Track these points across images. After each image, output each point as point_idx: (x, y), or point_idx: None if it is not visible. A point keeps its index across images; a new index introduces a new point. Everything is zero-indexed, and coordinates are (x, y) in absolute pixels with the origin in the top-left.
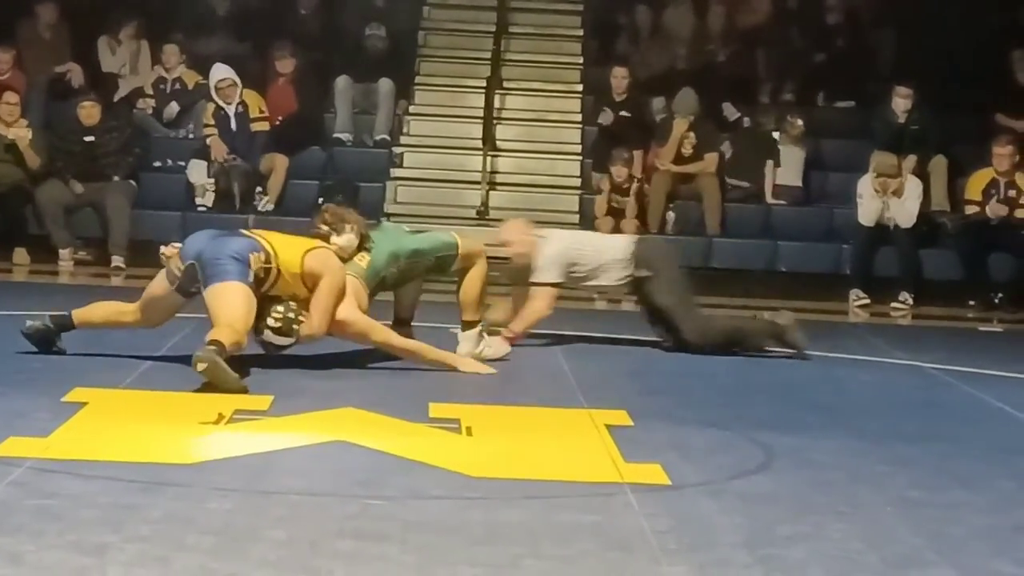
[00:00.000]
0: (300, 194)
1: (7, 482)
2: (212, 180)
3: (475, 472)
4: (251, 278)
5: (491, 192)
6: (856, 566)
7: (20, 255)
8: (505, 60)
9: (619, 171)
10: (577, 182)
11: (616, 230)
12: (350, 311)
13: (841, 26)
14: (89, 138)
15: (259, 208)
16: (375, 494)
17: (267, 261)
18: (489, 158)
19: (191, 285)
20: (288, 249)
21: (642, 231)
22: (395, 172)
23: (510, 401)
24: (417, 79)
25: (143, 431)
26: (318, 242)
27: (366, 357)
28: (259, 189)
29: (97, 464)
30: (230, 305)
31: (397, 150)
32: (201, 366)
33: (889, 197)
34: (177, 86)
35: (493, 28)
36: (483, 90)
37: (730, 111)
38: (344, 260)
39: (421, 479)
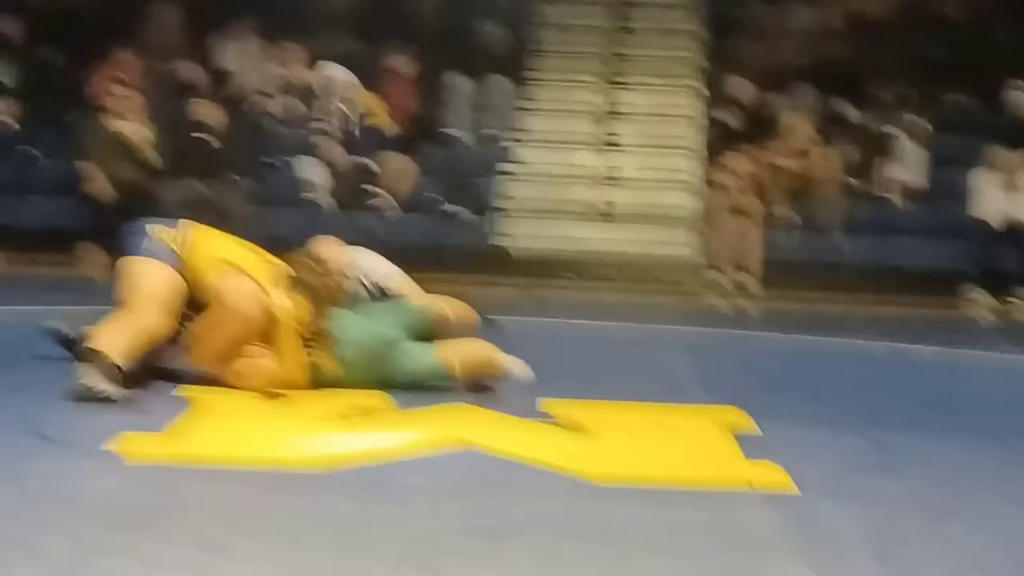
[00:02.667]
0: (415, 191)
1: (126, 478)
2: (324, 181)
3: (594, 471)
4: (156, 248)
5: (607, 188)
6: (981, 567)
7: None
8: (622, 56)
9: (739, 168)
10: (695, 178)
11: (736, 227)
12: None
13: (962, 20)
14: (208, 137)
15: (378, 207)
16: (494, 492)
17: (177, 244)
18: (605, 154)
19: None
20: (206, 249)
21: (762, 228)
22: (510, 168)
23: (630, 399)
24: (533, 75)
25: (262, 428)
26: (240, 265)
27: None
28: (375, 188)
29: (216, 461)
30: (135, 287)
31: (513, 146)
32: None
33: (1011, 193)
34: (296, 84)
35: (610, 24)
36: (598, 86)
37: (849, 108)
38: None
39: (540, 478)
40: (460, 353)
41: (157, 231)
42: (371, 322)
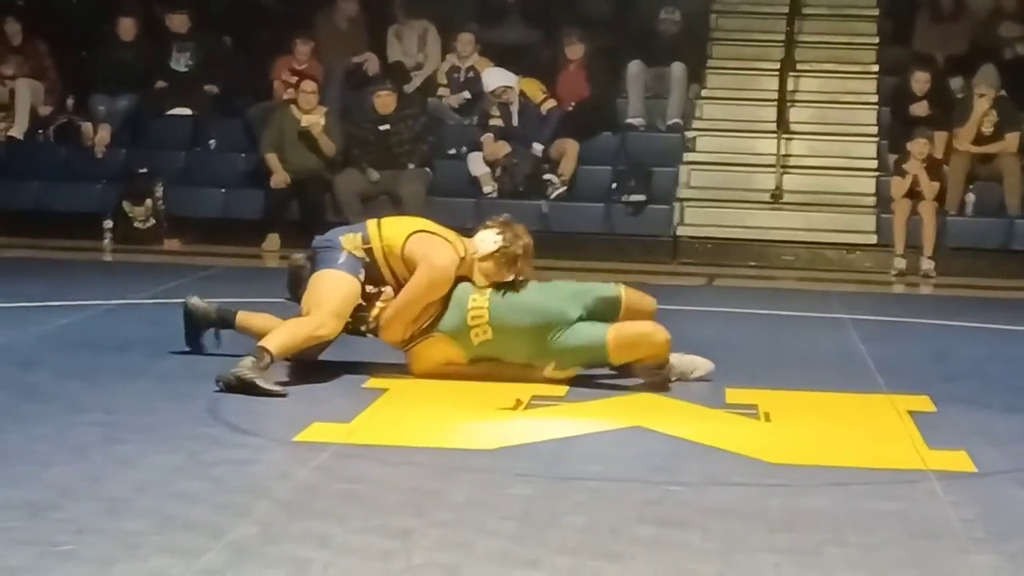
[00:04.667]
0: (592, 179)
1: (313, 466)
2: (488, 172)
3: (774, 458)
4: (342, 260)
5: (785, 175)
6: None
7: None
8: (799, 42)
9: (918, 152)
10: (873, 164)
11: (914, 212)
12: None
13: None
14: (384, 127)
15: (550, 195)
16: (674, 480)
17: (365, 242)
18: (783, 141)
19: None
20: (395, 228)
21: (942, 213)
22: (688, 156)
23: (808, 387)
24: (709, 62)
25: (443, 417)
26: (428, 225)
27: None
28: (547, 177)
29: (399, 449)
30: (315, 296)
31: (690, 134)
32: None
33: None
34: (471, 74)
35: (786, 9)
36: (776, 72)
37: None
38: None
39: (720, 465)
40: (626, 332)
41: (348, 242)
42: (547, 294)
